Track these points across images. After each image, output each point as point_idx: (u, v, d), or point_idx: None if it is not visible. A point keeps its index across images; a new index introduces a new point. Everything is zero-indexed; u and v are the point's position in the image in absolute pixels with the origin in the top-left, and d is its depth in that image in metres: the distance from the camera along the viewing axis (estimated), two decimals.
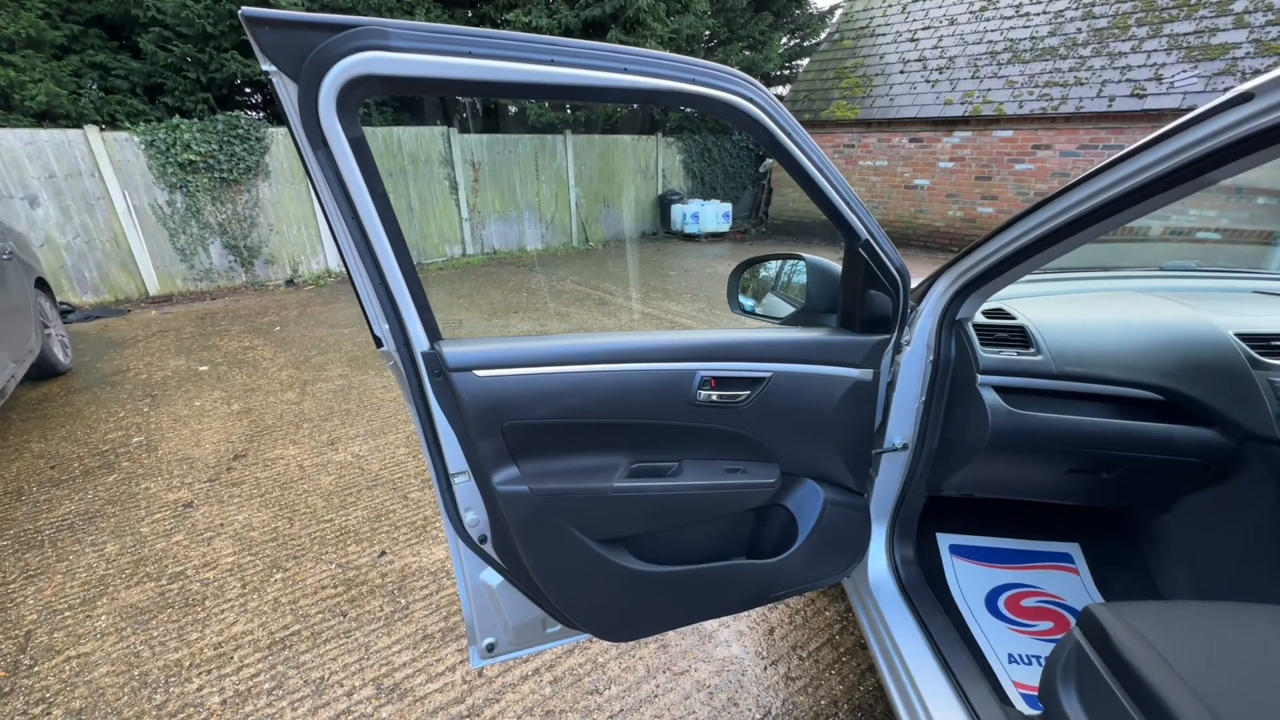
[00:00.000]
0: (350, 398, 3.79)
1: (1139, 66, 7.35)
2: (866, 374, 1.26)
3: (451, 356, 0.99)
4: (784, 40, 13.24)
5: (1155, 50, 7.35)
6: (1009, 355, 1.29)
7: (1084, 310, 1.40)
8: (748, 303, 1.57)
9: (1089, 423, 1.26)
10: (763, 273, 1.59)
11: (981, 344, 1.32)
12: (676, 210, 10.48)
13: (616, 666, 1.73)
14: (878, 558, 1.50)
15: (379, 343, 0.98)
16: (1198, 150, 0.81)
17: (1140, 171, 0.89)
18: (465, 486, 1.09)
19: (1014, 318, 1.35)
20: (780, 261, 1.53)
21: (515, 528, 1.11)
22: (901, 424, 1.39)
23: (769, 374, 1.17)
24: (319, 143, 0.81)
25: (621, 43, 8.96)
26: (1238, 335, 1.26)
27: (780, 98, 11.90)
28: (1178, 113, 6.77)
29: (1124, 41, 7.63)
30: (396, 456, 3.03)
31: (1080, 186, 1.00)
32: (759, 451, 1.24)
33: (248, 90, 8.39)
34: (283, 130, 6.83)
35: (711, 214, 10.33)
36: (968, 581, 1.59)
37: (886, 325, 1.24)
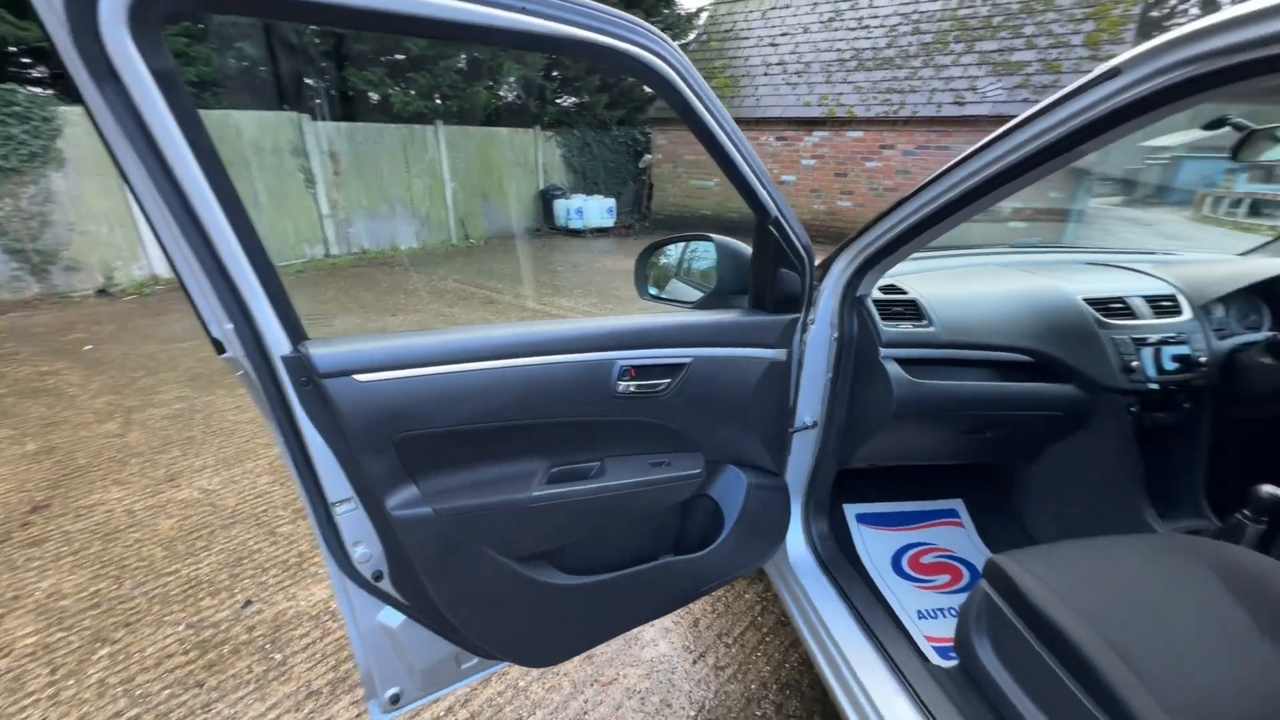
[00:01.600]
0: (193, 423, 3.22)
1: (958, 78, 8.42)
2: (780, 354, 1.26)
3: (323, 359, 0.81)
4: None
5: (970, 64, 8.45)
6: (906, 328, 1.36)
7: (962, 284, 1.51)
8: (656, 289, 1.51)
9: (976, 386, 1.36)
10: (670, 256, 1.54)
11: (881, 318, 1.37)
12: (559, 205, 10.30)
13: (540, 688, 1.61)
14: (796, 536, 1.52)
15: (219, 348, 0.78)
16: (1071, 125, 0.86)
17: (1018, 148, 0.95)
18: (351, 516, 0.91)
19: (906, 292, 1.42)
20: (686, 243, 1.49)
21: (419, 557, 0.95)
22: (810, 402, 1.41)
23: (688, 360, 1.12)
24: (104, 73, 0.58)
25: None
26: (1085, 300, 1.43)
27: (653, 96, 12.12)
28: (991, 118, 7.83)
29: (946, 55, 8.69)
30: (258, 486, 2.61)
31: (962, 165, 1.05)
32: (682, 442, 1.19)
33: (26, 60, 6.89)
34: (79, 110, 5.65)
35: (595, 209, 10.28)
36: (874, 547, 1.67)
37: (796, 304, 1.24)
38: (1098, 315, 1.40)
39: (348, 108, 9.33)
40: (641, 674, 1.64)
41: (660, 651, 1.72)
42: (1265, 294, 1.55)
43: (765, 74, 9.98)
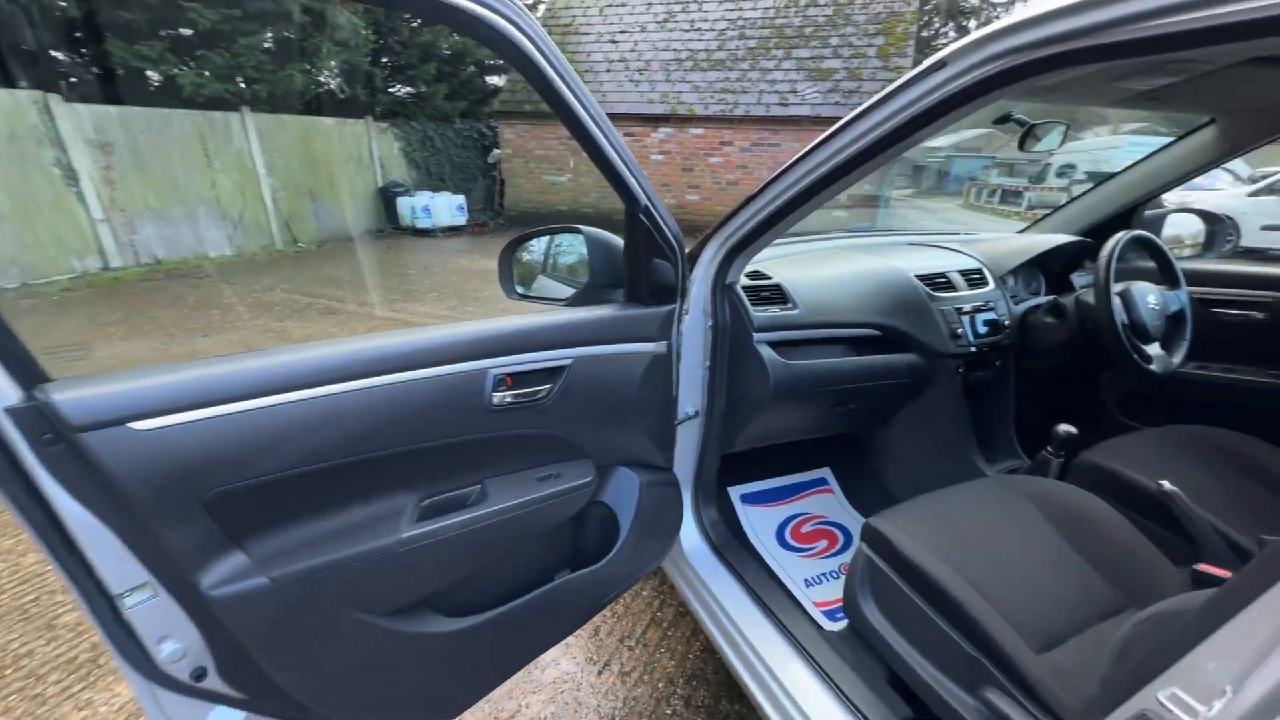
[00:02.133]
0: None
1: (781, 81, 9.21)
2: (661, 347, 1.23)
3: (78, 406, 0.60)
4: None
5: (790, 69, 9.29)
6: (774, 312, 1.41)
7: (816, 267, 1.61)
8: (524, 287, 1.41)
9: (838, 362, 1.45)
10: (534, 252, 1.44)
11: (750, 304, 1.41)
12: (403, 203, 9.52)
13: None
14: (688, 526, 1.52)
15: None
16: (907, 113, 0.93)
17: (862, 136, 1.00)
18: (150, 606, 0.70)
19: (770, 277, 1.48)
20: (552, 237, 1.40)
21: (257, 639, 0.76)
22: (691, 392, 1.41)
23: (568, 361, 1.04)
24: None
25: None
26: (916, 276, 1.60)
27: (496, 88, 11.71)
28: (811, 118, 8.69)
29: (769, 60, 9.46)
30: (23, 568, 2.04)
31: (814, 154, 1.10)
32: (570, 450, 1.11)
33: None
34: None
35: (444, 207, 9.67)
36: (760, 524, 1.74)
37: (671, 294, 1.22)
38: (927, 289, 1.58)
39: (116, 88, 7.70)
40: (545, 699, 1.54)
41: (562, 670, 1.63)
42: (1040, 265, 1.86)
43: (608, 70, 10.09)
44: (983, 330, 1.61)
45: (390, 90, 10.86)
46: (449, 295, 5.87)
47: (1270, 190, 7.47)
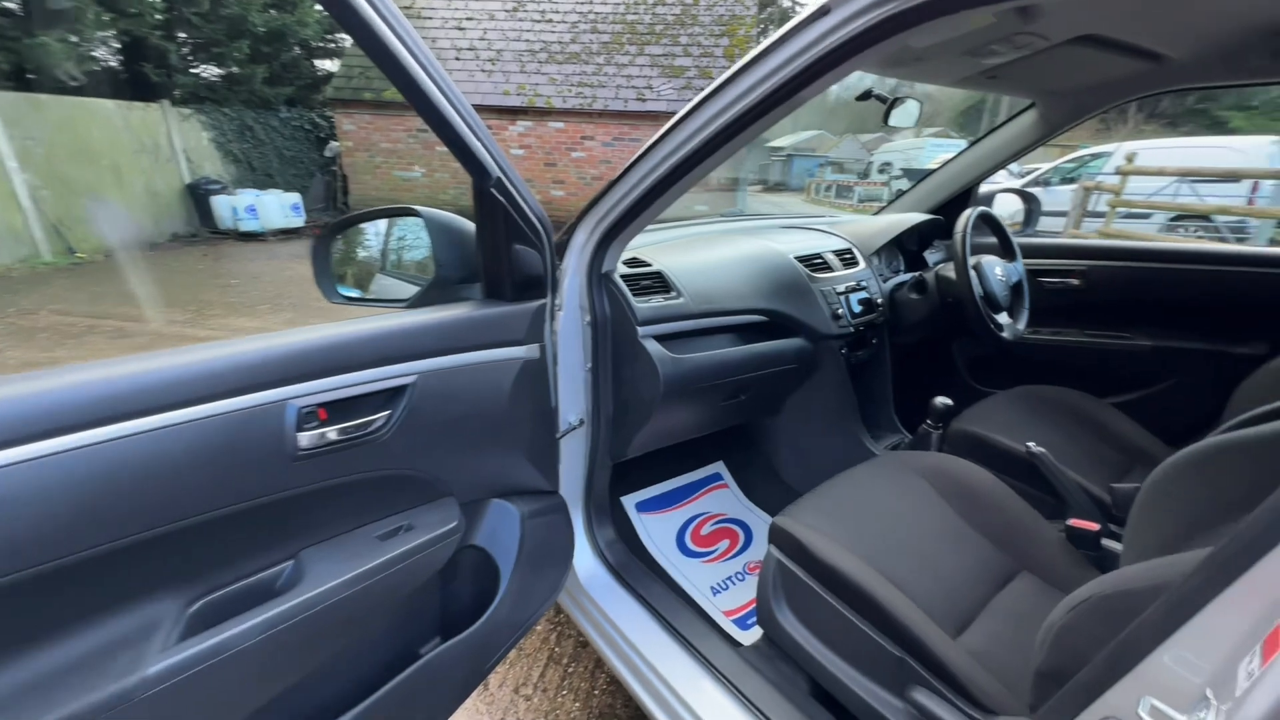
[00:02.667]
0: None
1: (637, 77, 9.28)
2: (533, 350, 1.04)
3: None
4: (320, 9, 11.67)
5: (645, 65, 9.39)
6: (657, 302, 1.27)
7: (696, 252, 1.51)
8: (355, 288, 1.13)
9: (728, 353, 1.35)
10: (370, 245, 1.17)
11: (631, 294, 1.26)
12: (221, 203, 8.18)
13: None
14: (583, 550, 1.34)
15: None
16: (791, 68, 0.83)
17: (742, 97, 0.89)
18: None
19: (650, 264, 1.34)
20: (390, 223, 1.14)
21: None
22: (573, 398, 1.24)
23: (413, 378, 0.81)
24: None
25: None
26: (795, 258, 1.56)
27: (329, 74, 10.49)
28: (668, 114, 8.82)
29: (624, 55, 9.48)
30: None
31: (689, 120, 0.97)
32: (425, 490, 0.88)
33: None
34: None
35: (275, 206, 8.46)
36: (658, 533, 1.61)
37: (539, 288, 1.03)
38: (807, 271, 1.54)
39: None
40: None
41: None
42: (897, 244, 1.93)
43: (457, 59, 9.47)
44: (858, 310, 1.61)
45: (193, 70, 9.26)
46: (285, 306, 5.09)
47: (1036, 183, 9.01)
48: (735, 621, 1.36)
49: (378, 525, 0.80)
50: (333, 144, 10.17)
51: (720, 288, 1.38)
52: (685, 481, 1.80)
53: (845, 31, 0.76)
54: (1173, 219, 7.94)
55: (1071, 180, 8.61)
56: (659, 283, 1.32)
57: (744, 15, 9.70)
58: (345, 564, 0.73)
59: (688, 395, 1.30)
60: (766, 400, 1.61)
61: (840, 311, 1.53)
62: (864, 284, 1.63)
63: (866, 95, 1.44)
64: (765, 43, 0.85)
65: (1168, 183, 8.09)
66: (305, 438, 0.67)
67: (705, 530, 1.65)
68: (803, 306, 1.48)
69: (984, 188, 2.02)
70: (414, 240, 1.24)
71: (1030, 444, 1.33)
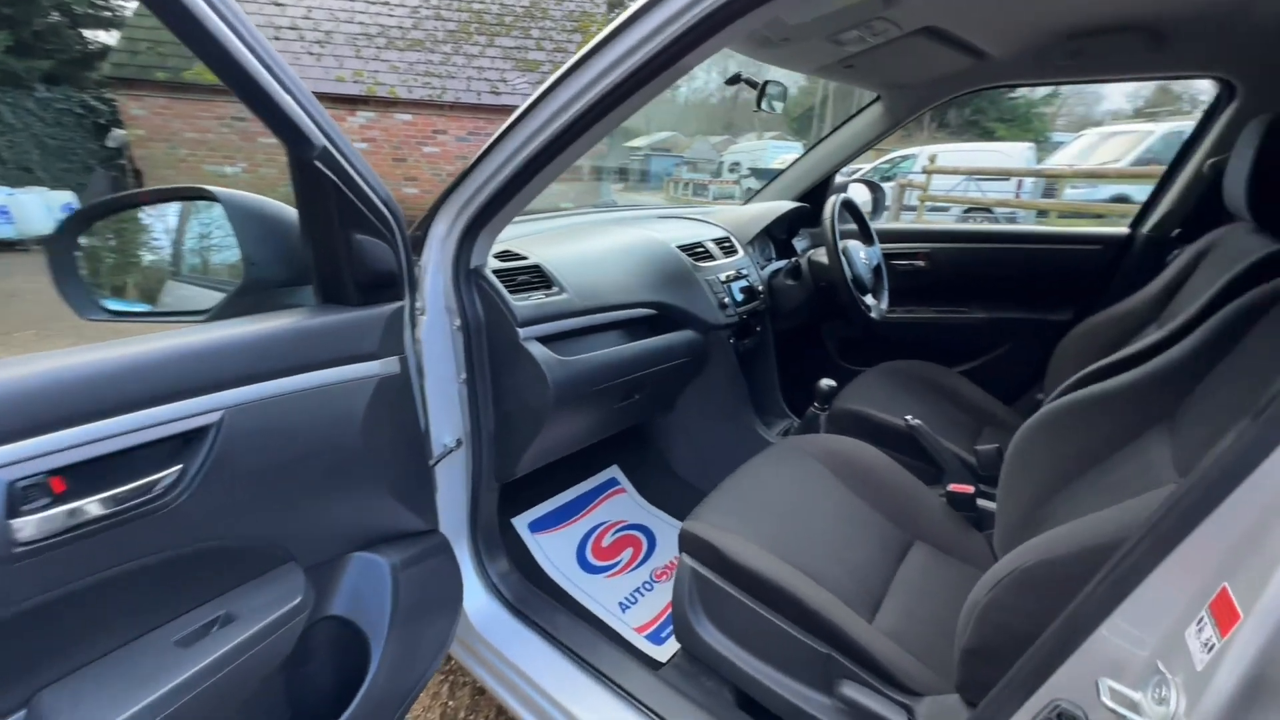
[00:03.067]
0: None
1: (489, 69, 8.88)
2: (392, 364, 0.85)
3: None
4: None
5: (496, 57, 9.01)
6: (538, 299, 1.13)
7: (575, 243, 1.39)
8: (127, 299, 0.84)
9: (619, 351, 1.25)
10: (145, 235, 0.88)
11: (508, 291, 1.10)
12: None
13: None
14: (474, 590, 1.16)
15: None
16: (659, 40, 0.75)
17: (609, 70, 0.80)
18: None
19: (526, 257, 1.19)
20: (184, 211, 0.87)
21: None
22: (447, 416, 1.06)
23: (217, 415, 0.60)
24: None
25: None
26: (678, 247, 1.50)
27: (105, 48, 8.67)
28: None
29: (474, 46, 9.02)
30: None
31: (551, 97, 0.86)
32: (247, 563, 0.66)
33: None
34: None
35: (37, 207, 6.83)
36: (556, 552, 1.47)
37: (393, 286, 0.85)
38: (690, 260, 1.49)
39: None
40: None
41: None
42: (768, 233, 1.97)
43: (277, 38, 8.34)
44: (740, 298, 1.60)
45: None
46: (65, 331, 4.07)
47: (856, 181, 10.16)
48: (649, 637, 1.27)
49: (175, 626, 0.58)
50: (116, 132, 8.44)
51: (605, 281, 1.28)
52: (580, 491, 1.67)
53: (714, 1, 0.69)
54: (965, 210, 9.41)
55: (889, 179, 9.78)
56: (538, 278, 1.17)
57: (594, 13, 9.69)
58: (119, 698, 0.51)
59: (580, 400, 1.18)
60: (660, 398, 1.54)
61: (726, 300, 1.50)
62: (744, 272, 1.62)
63: (735, 79, 1.42)
64: (631, 9, 0.76)
65: (959, 180, 9.57)
66: (28, 524, 0.44)
67: (606, 541, 1.54)
68: (690, 297, 1.42)
69: (837, 178, 2.14)
70: (222, 235, 0.97)
71: (908, 417, 1.40)
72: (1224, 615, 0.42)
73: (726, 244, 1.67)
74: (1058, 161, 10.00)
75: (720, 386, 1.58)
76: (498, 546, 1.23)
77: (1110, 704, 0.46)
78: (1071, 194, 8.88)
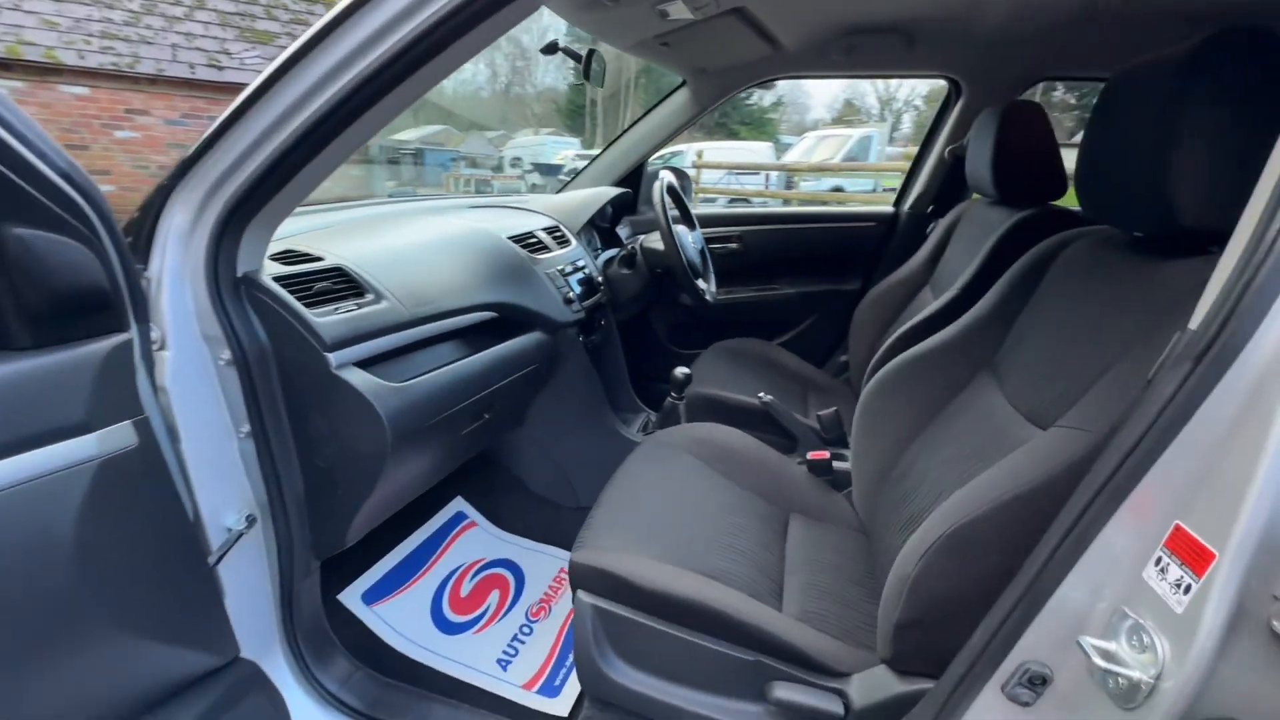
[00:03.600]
0: None
1: (202, 36, 7.23)
2: (120, 435, 0.55)
3: None
4: None
5: (210, 23, 7.36)
6: (350, 312, 0.86)
7: (383, 237, 1.11)
8: None
9: (465, 365, 1.04)
10: None
11: (303, 305, 0.82)
12: None
13: None
14: (308, 714, 0.86)
15: None
16: None
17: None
18: None
19: (321, 258, 0.91)
20: None
21: None
22: (227, 488, 0.76)
23: None
24: None
25: None
26: (509, 239, 1.31)
27: None
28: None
29: (175, 6, 7.23)
30: None
31: (340, 35, 0.64)
32: None
33: None
34: None
35: None
36: (406, 620, 1.20)
37: (105, 311, 0.56)
38: (526, 253, 1.32)
39: None
40: None
41: None
42: (591, 220, 1.88)
43: None
44: (579, 291, 1.48)
45: None
46: None
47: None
48: (542, 690, 1.09)
49: None
50: None
51: (433, 282, 1.04)
52: (422, 538, 1.39)
53: None
54: (729, 201, 10.64)
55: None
56: (344, 283, 0.90)
57: None
58: None
59: (423, 434, 0.94)
60: (511, 413, 1.34)
61: (571, 295, 1.37)
62: (581, 263, 1.50)
63: (553, 48, 1.28)
64: None
65: (723, 174, 10.75)
66: None
67: (465, 589, 1.31)
68: (534, 294, 1.25)
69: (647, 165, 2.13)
70: None
71: (761, 394, 1.43)
72: (1191, 555, 0.43)
73: (558, 234, 1.53)
74: (789, 159, 11.83)
75: (574, 389, 1.44)
76: (329, 644, 0.94)
77: (1097, 661, 0.46)
78: (805, 185, 10.61)
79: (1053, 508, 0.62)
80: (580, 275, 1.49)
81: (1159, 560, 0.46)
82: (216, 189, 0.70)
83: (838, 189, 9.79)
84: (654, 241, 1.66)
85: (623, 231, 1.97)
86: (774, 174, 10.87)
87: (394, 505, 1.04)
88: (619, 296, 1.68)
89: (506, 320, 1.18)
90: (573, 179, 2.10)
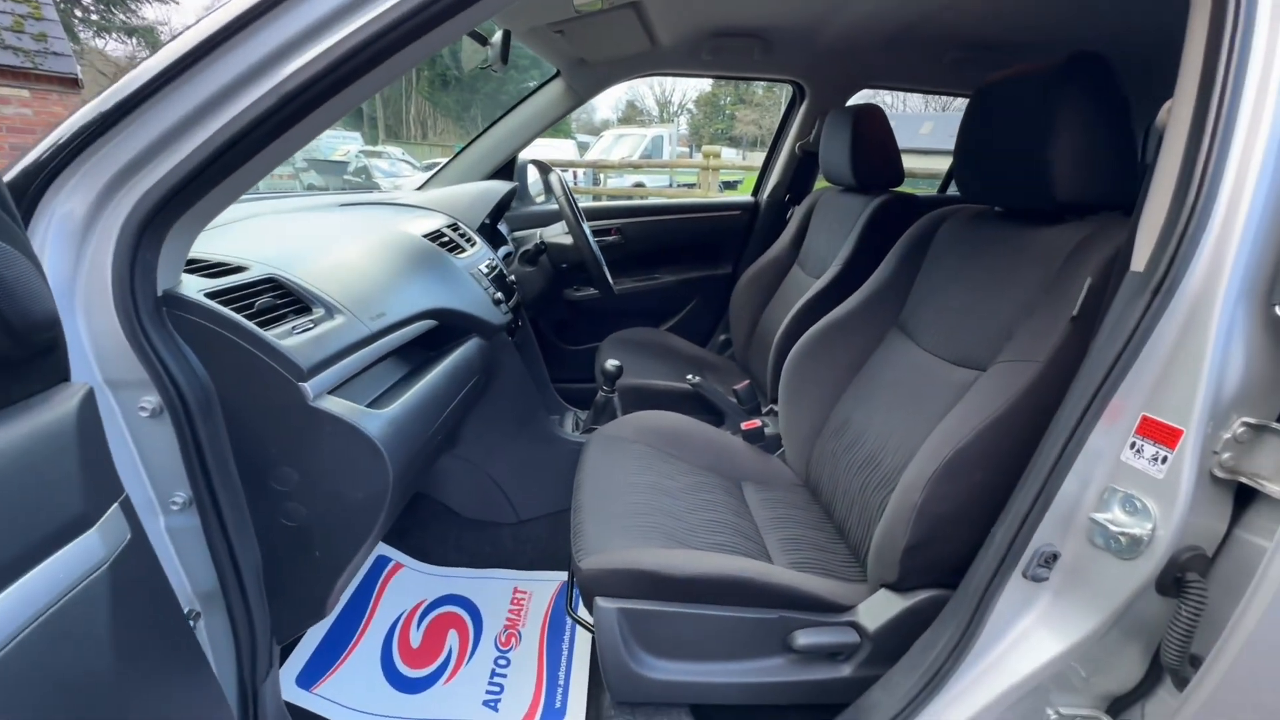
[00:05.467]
0: None
1: None
2: (116, 524, 0.39)
3: None
4: None
5: None
6: (308, 330, 0.70)
7: (296, 239, 0.90)
8: None
9: (431, 383, 0.90)
10: None
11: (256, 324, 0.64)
12: None
13: None
14: None
15: None
16: None
17: None
18: None
19: (243, 267, 0.71)
20: None
21: None
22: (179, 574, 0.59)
23: None
24: None
25: None
26: (424, 238, 1.15)
27: None
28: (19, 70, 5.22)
29: None
30: None
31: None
32: None
33: None
34: None
35: None
36: (357, 694, 1.01)
37: (57, 349, 0.40)
38: (446, 252, 1.18)
39: None
40: None
41: None
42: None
43: None
44: (498, 294, 1.38)
45: None
46: None
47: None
48: (544, 718, 1.02)
49: None
50: None
51: (380, 290, 0.89)
52: (345, 596, 1.18)
53: None
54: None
55: None
56: (286, 298, 0.72)
57: None
58: None
59: (412, 467, 0.81)
60: (449, 435, 1.19)
61: (498, 296, 1.26)
62: (494, 263, 1.39)
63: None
64: None
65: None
66: None
67: (416, 639, 1.15)
68: (469, 298, 1.13)
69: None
70: None
71: (690, 376, 1.49)
72: (1161, 434, 0.59)
73: (461, 233, 1.39)
74: (590, 156, 12.20)
75: (510, 396, 1.34)
76: None
77: (1110, 527, 0.60)
78: (611, 182, 11.05)
79: (1021, 427, 0.78)
80: (495, 275, 1.38)
81: (1134, 444, 0.61)
82: (129, 176, 0.52)
83: (639, 185, 10.39)
84: (556, 236, 1.61)
85: (503, 228, 1.87)
86: (581, 171, 11.09)
87: (365, 553, 0.87)
88: (526, 295, 1.60)
89: (444, 328, 1.06)
90: (435, 174, 1.91)
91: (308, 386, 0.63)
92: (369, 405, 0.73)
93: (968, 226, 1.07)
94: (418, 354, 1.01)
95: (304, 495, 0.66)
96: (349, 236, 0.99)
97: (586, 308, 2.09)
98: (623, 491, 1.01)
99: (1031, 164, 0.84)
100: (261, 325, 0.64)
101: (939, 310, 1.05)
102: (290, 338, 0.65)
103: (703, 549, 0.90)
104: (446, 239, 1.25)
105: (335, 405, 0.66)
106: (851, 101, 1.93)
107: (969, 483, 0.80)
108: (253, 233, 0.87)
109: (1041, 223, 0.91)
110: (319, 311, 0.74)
